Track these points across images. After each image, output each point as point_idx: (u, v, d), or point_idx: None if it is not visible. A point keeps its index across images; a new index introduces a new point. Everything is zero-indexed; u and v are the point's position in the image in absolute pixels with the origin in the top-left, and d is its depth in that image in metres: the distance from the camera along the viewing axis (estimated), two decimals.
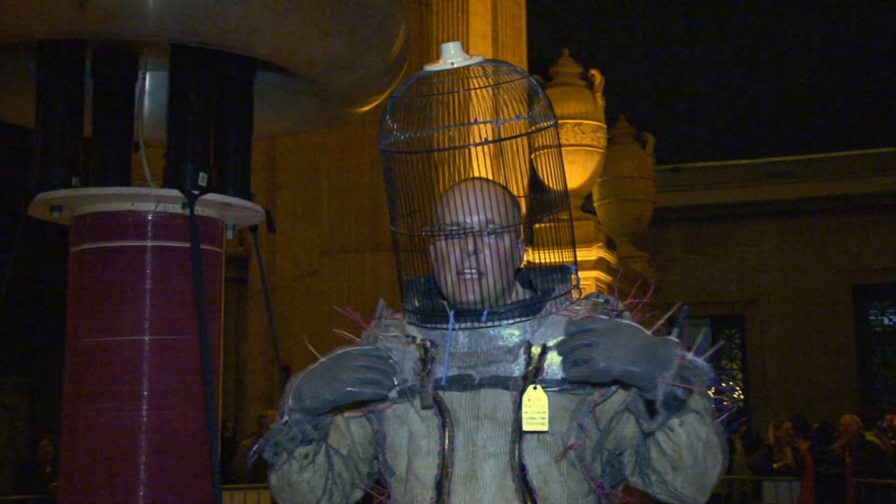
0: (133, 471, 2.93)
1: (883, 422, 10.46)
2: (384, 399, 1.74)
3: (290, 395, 1.71)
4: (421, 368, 1.71)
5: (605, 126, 12.92)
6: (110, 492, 2.94)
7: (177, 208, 3.07)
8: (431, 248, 1.79)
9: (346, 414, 1.81)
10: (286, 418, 1.71)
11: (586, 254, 11.45)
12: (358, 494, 1.86)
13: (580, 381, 1.61)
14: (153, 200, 3.05)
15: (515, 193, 1.82)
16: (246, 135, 3.36)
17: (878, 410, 11.47)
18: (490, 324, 1.70)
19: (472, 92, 1.78)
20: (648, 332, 1.62)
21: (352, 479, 1.84)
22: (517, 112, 1.78)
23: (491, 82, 1.78)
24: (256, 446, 1.76)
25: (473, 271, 1.71)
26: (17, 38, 3.08)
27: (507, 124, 1.77)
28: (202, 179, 3.10)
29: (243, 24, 2.93)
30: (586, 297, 1.78)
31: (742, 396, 22.33)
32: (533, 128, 1.78)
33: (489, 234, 1.73)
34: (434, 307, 1.78)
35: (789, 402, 18.59)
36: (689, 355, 1.59)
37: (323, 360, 1.74)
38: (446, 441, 1.69)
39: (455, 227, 1.73)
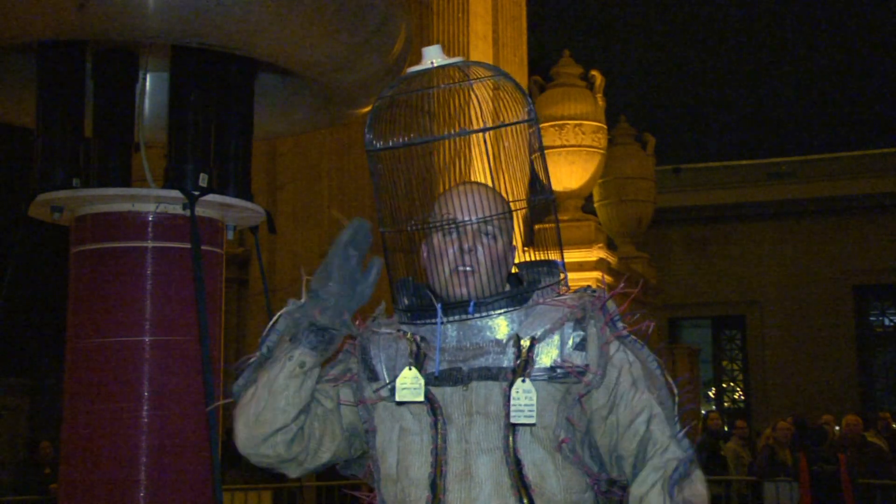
0: (133, 471, 2.94)
1: (880, 423, 10.44)
2: (377, 383, 1.75)
3: (313, 282, 1.73)
4: (412, 364, 1.72)
5: (605, 127, 12.94)
6: (110, 492, 2.94)
7: (177, 209, 3.07)
8: (424, 245, 1.80)
9: (339, 391, 1.81)
10: (315, 292, 1.71)
11: (587, 254, 11.47)
12: (324, 458, 1.81)
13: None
14: (154, 201, 3.05)
15: (507, 194, 1.84)
16: (246, 135, 3.36)
17: (874, 412, 11.45)
18: (478, 315, 1.71)
19: (455, 92, 1.80)
20: None
21: (321, 437, 1.80)
22: (516, 112, 1.80)
23: (468, 82, 1.80)
24: (267, 331, 1.76)
25: (468, 268, 1.72)
26: (17, 39, 3.08)
27: (498, 126, 1.79)
28: (203, 180, 3.10)
29: (244, 25, 2.93)
30: (576, 291, 1.79)
31: (742, 397, 22.35)
32: (513, 124, 1.79)
33: (485, 234, 1.75)
34: (423, 303, 1.79)
35: (789, 403, 18.59)
36: None
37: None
38: (439, 439, 1.69)
39: (453, 225, 1.74)
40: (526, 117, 1.80)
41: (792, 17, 27.63)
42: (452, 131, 1.78)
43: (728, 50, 28.61)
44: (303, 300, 1.75)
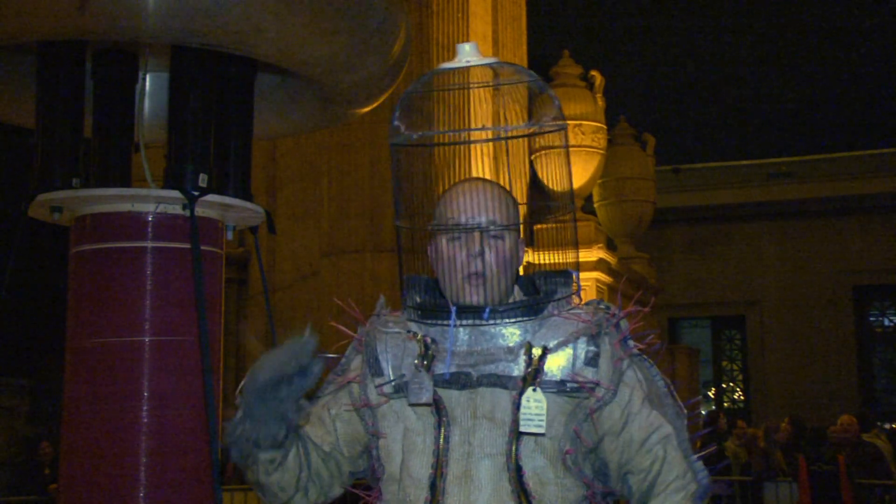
0: (133, 471, 2.93)
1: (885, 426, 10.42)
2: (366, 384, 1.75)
3: (239, 408, 1.70)
4: (421, 364, 1.71)
5: (605, 127, 12.92)
6: (110, 492, 2.93)
7: (177, 209, 3.07)
8: (431, 247, 1.79)
9: (334, 412, 1.81)
10: (238, 415, 1.69)
11: (586, 255, 11.44)
12: (338, 491, 1.85)
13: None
14: (153, 201, 3.05)
15: (517, 195, 1.83)
16: (246, 136, 3.36)
17: (877, 414, 11.45)
18: (492, 322, 1.70)
19: (483, 94, 1.79)
20: None
21: (331, 477, 1.82)
22: (525, 115, 1.80)
23: (500, 84, 1.79)
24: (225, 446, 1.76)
25: (479, 274, 1.71)
26: (17, 39, 3.08)
27: (519, 128, 1.79)
28: (202, 180, 3.10)
29: (244, 25, 2.93)
30: (587, 303, 1.79)
31: (742, 397, 22.34)
32: (541, 130, 1.80)
33: (493, 236, 1.73)
34: (436, 303, 1.78)
35: (789, 403, 18.58)
36: None
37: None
38: (441, 440, 1.69)
39: (459, 230, 1.73)
40: (527, 121, 1.80)
41: (792, 18, 27.63)
42: (485, 132, 1.77)
43: (728, 50, 28.61)
44: (238, 415, 1.70)
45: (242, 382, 1.69)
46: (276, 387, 1.64)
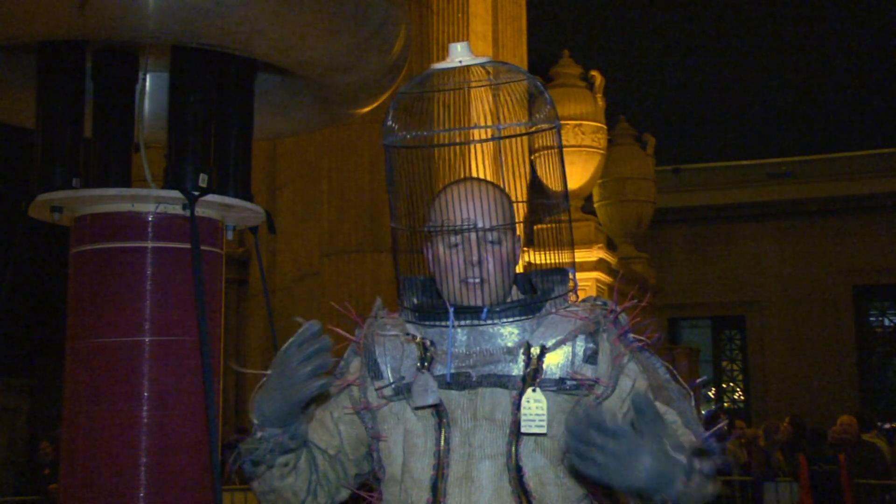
0: (133, 471, 2.93)
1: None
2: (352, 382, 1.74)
3: (253, 414, 1.70)
4: (422, 367, 1.70)
5: (605, 127, 12.94)
6: (110, 492, 2.94)
7: (177, 209, 3.07)
8: (428, 251, 1.78)
9: (336, 415, 1.81)
10: (259, 434, 1.69)
11: (586, 255, 11.46)
12: (344, 494, 1.84)
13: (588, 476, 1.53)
14: (154, 201, 3.05)
15: (515, 195, 1.82)
16: (246, 136, 3.36)
17: (877, 414, 11.46)
18: (490, 322, 1.70)
19: (477, 93, 1.78)
20: (664, 444, 1.47)
21: (338, 479, 1.83)
22: (520, 114, 1.79)
23: (495, 83, 1.79)
24: (234, 456, 1.75)
25: (477, 279, 1.71)
26: (17, 39, 3.08)
27: (510, 126, 1.78)
28: (202, 180, 3.10)
29: (244, 25, 2.93)
30: (584, 300, 1.78)
31: (742, 397, 22.36)
32: (534, 129, 1.79)
33: (490, 242, 1.72)
34: (433, 305, 1.78)
35: (789, 403, 18.60)
36: (696, 469, 1.47)
37: (271, 368, 1.70)
38: (442, 441, 1.69)
39: (456, 236, 1.72)
40: (526, 119, 1.79)
41: (792, 17, 27.65)
42: (479, 132, 1.76)
43: (728, 50, 28.62)
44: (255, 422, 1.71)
45: (257, 396, 1.68)
46: (281, 359, 1.65)
